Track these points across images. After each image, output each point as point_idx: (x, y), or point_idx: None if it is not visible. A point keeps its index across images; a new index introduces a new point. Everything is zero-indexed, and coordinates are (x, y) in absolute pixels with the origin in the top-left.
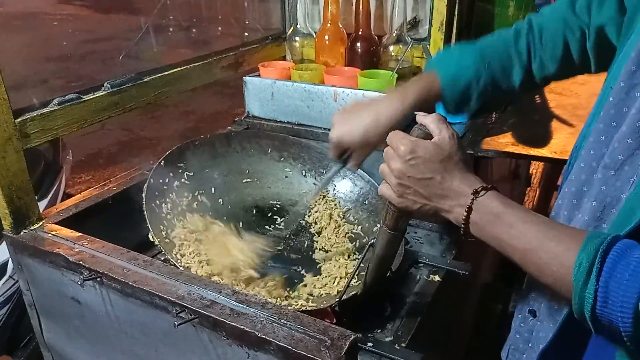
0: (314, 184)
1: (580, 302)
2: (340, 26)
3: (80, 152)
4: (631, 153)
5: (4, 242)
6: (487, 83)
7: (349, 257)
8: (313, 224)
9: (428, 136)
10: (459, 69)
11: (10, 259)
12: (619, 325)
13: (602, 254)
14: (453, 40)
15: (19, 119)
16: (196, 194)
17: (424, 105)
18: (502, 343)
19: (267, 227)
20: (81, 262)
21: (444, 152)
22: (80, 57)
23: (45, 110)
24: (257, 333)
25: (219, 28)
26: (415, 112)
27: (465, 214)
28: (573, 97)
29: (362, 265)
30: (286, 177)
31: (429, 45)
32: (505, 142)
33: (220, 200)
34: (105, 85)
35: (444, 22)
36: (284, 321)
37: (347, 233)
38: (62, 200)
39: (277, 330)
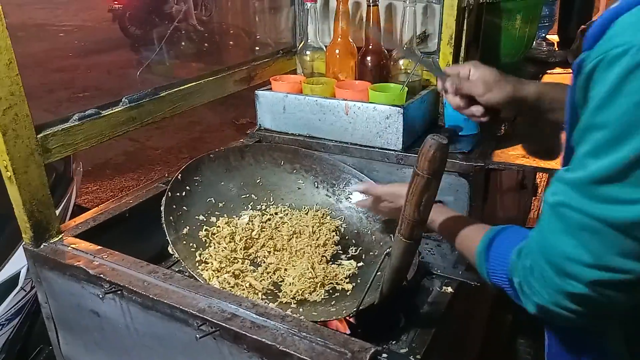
0: (327, 195)
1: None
2: (351, 40)
3: (87, 163)
4: None
5: (15, 254)
6: None
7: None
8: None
9: (442, 146)
10: None
11: (21, 271)
12: (505, 289)
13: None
14: (462, 54)
15: (41, 135)
16: (211, 206)
17: None
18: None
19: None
20: (102, 275)
21: None
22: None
23: (66, 125)
24: (278, 346)
25: (230, 42)
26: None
27: None
28: None
29: (378, 274)
30: (299, 188)
31: (438, 58)
32: (515, 155)
33: (233, 212)
34: (123, 100)
35: (453, 36)
36: (304, 334)
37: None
38: (72, 211)
39: (297, 343)
